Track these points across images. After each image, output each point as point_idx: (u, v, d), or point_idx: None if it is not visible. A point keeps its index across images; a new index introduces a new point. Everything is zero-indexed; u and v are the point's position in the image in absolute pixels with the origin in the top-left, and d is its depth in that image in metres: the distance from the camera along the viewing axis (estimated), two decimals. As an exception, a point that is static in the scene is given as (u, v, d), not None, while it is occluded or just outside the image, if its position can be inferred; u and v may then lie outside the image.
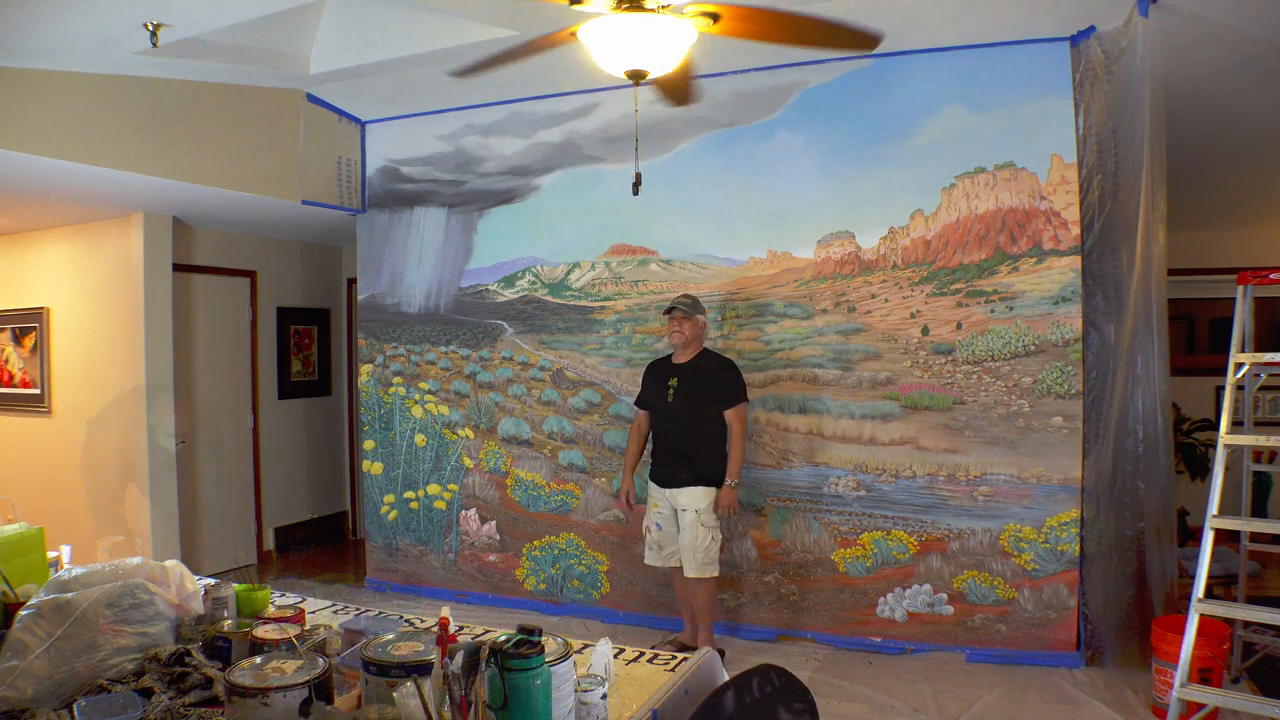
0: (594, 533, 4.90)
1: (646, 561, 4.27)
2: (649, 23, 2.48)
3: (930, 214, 4.20)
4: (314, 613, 2.26)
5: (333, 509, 6.95)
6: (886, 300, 4.29)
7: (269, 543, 6.36)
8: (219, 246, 5.96)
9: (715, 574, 4.04)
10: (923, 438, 4.19)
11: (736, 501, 4.05)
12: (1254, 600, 3.72)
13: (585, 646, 1.87)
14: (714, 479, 4.01)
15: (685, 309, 4.05)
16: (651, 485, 4.19)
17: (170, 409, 5.15)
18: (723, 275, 4.62)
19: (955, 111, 4.14)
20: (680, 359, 4.13)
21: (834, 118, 4.34)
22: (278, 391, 6.44)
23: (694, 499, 3.99)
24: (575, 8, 2.47)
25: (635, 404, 4.36)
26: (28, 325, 5.59)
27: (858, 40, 2.82)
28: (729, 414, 4.03)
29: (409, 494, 5.39)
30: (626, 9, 2.45)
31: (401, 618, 2.13)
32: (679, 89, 3.10)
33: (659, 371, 4.22)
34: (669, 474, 4.09)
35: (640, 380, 4.35)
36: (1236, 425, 3.40)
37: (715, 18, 2.53)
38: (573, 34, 2.58)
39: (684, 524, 4.02)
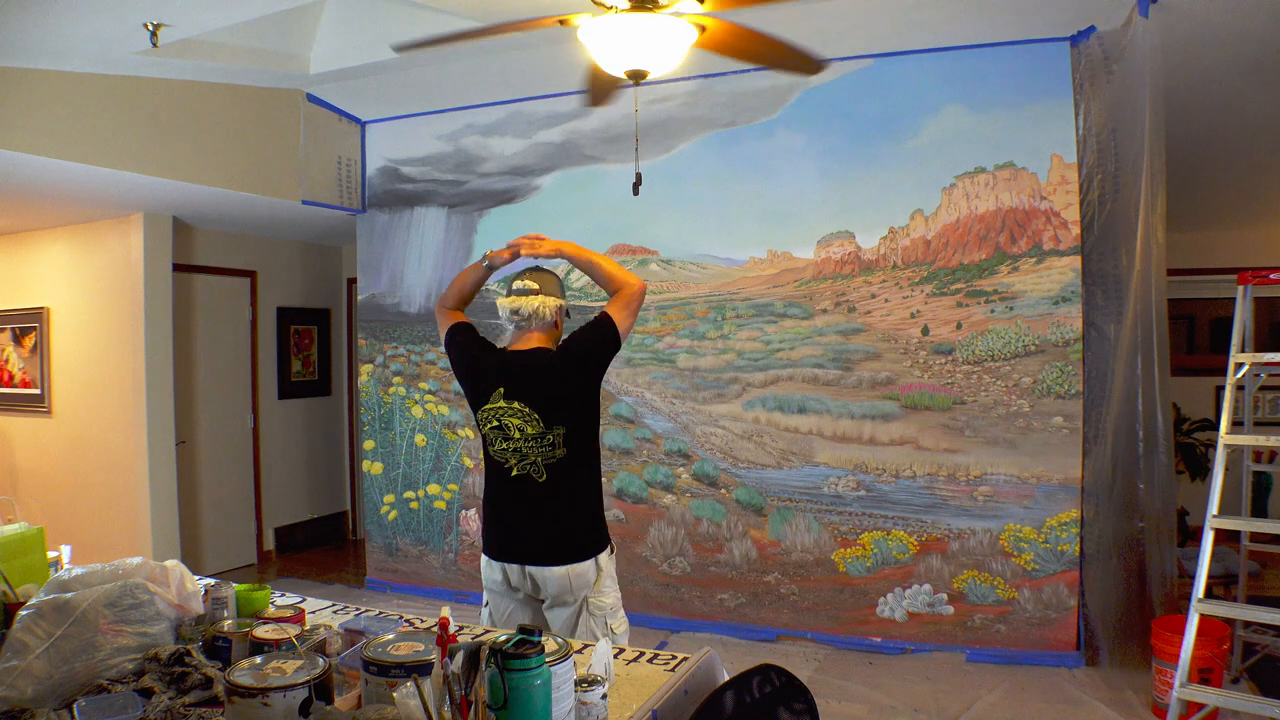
0: (594, 533, 4.89)
1: None
2: (652, 23, 2.47)
3: (930, 214, 4.20)
4: (314, 613, 2.25)
5: (333, 509, 6.95)
6: (886, 300, 4.28)
7: (269, 543, 6.36)
8: (219, 246, 5.96)
9: None
10: (923, 438, 4.19)
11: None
12: (1254, 600, 3.72)
13: (585, 646, 1.87)
14: None
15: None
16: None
17: (170, 409, 5.15)
18: (723, 275, 4.61)
19: (955, 111, 4.14)
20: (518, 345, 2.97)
21: (834, 118, 4.34)
22: (278, 391, 6.44)
23: None
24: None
25: None
26: (28, 325, 5.59)
27: (803, 64, 2.79)
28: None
29: (409, 494, 5.39)
30: (633, 8, 2.45)
31: (401, 618, 2.13)
32: (600, 88, 3.05)
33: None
34: None
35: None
36: (1236, 425, 3.39)
37: (702, 28, 2.53)
38: (561, 21, 2.56)
39: None
